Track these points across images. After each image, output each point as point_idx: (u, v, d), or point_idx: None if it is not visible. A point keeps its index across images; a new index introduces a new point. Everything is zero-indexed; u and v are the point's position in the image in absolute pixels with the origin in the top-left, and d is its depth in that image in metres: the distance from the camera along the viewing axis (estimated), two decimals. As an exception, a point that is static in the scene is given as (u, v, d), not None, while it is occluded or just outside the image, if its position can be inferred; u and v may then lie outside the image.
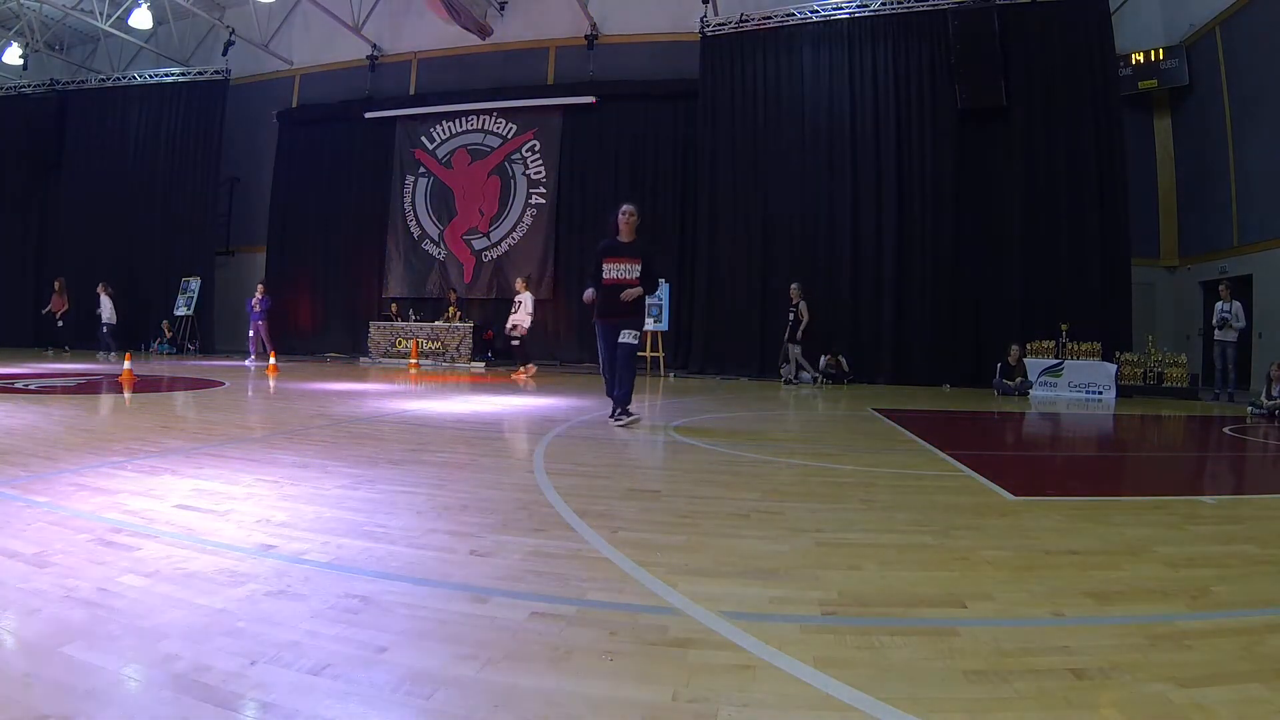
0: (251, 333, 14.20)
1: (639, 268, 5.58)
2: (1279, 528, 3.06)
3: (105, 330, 14.82)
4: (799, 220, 13.46)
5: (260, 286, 14.70)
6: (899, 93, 13.19)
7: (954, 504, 3.29)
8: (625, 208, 5.72)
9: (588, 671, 1.53)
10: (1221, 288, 10.76)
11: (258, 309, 14.16)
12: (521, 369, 12.04)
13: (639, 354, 6.70)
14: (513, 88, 16.26)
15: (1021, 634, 1.79)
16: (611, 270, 5.59)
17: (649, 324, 13.44)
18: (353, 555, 2.26)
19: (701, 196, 14.08)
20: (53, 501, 2.74)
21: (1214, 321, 10.60)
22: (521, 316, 12.21)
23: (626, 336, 5.63)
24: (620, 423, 5.65)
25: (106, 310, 14.93)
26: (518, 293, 12.59)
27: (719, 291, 13.78)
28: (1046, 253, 12.28)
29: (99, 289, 14.99)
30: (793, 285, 12.04)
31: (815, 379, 11.98)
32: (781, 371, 12.55)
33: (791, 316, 11.83)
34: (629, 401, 5.77)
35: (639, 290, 5.56)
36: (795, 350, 11.87)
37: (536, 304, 15.98)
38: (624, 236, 5.66)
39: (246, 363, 13.34)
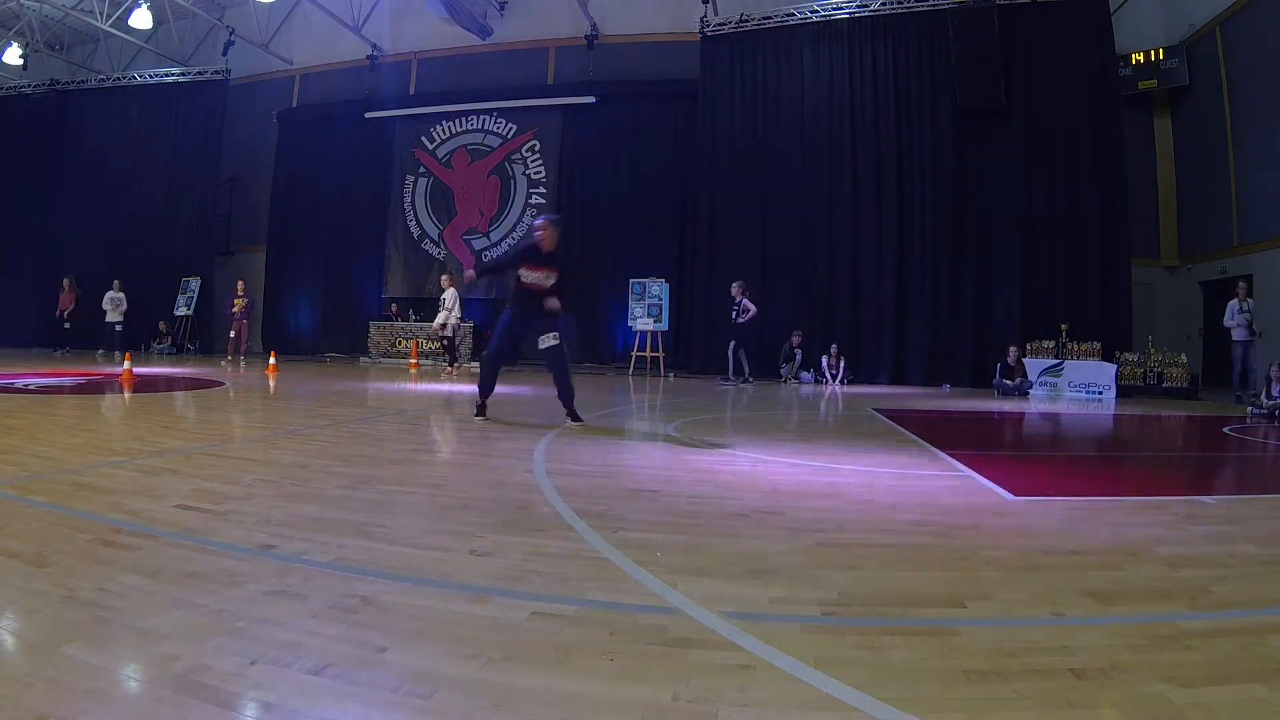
0: (234, 333, 13.97)
1: (555, 276, 5.61)
2: (1279, 528, 3.06)
3: (117, 329, 14.49)
4: (799, 220, 13.46)
5: (241, 284, 14.41)
6: (899, 92, 13.19)
7: (954, 504, 3.29)
8: (547, 219, 5.71)
9: (588, 671, 1.53)
10: (1240, 286, 10.50)
11: (238, 310, 13.98)
12: (451, 367, 12.14)
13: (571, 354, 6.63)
14: (513, 88, 16.26)
15: (1021, 634, 1.79)
16: (529, 276, 5.59)
17: (649, 324, 13.45)
18: (353, 555, 2.26)
19: (701, 196, 14.08)
20: (53, 501, 2.74)
21: (1233, 321, 10.34)
22: (444, 315, 12.32)
23: (547, 340, 5.60)
24: (572, 425, 5.57)
25: (120, 308, 14.63)
26: (443, 290, 12.61)
27: (719, 291, 13.76)
28: (1046, 253, 12.29)
29: (115, 287, 14.68)
30: (735, 284, 11.83)
31: (745, 379, 11.60)
32: (782, 372, 12.56)
33: (735, 315, 11.63)
34: (572, 402, 5.70)
35: (556, 304, 5.60)
36: (735, 345, 11.63)
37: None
38: (547, 247, 5.59)
39: (238, 365, 13.13)
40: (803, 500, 3.31)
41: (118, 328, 14.55)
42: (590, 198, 15.70)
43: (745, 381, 11.52)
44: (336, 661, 1.52)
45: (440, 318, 12.59)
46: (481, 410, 5.82)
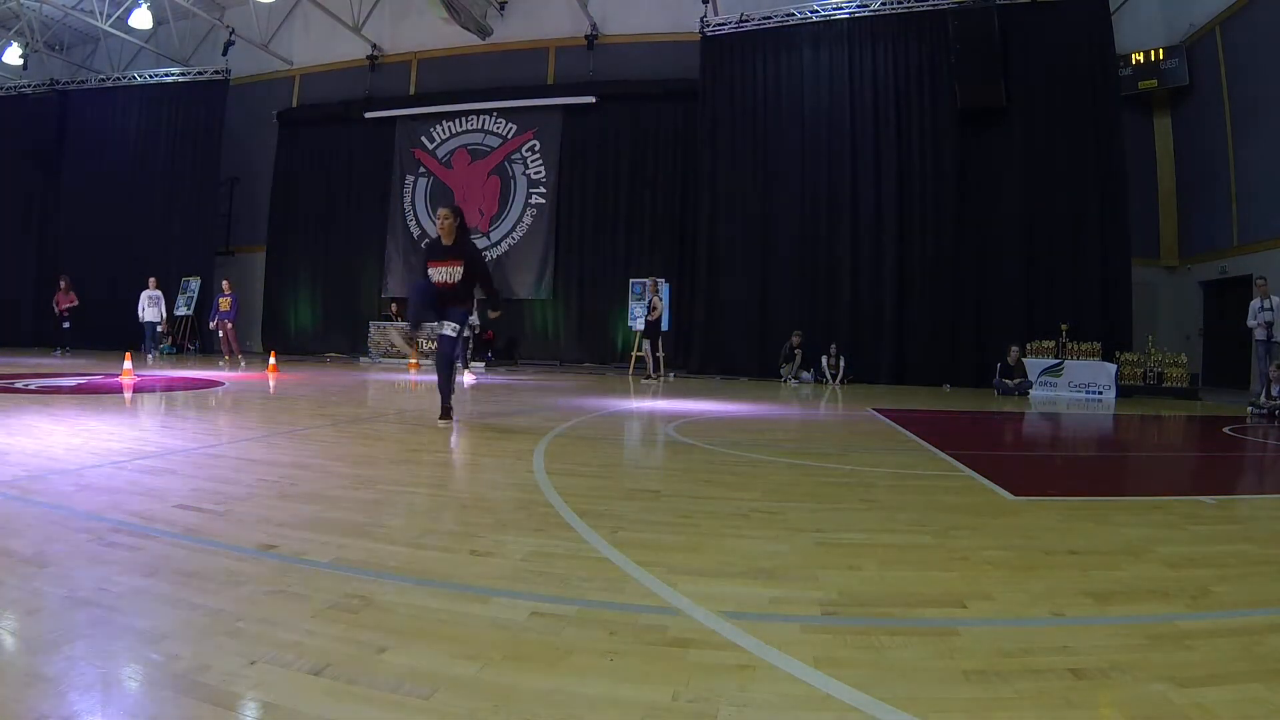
0: (223, 334, 13.57)
1: (461, 269, 5.35)
2: (1279, 528, 3.06)
3: (158, 329, 14.00)
4: (799, 220, 13.46)
5: (226, 283, 13.82)
6: (899, 93, 13.19)
7: (954, 504, 3.29)
8: (440, 210, 5.56)
9: (588, 671, 1.53)
10: (1259, 282, 9.90)
11: (228, 308, 13.46)
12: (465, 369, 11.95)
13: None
14: (513, 88, 16.27)
15: (1021, 634, 1.79)
16: (434, 273, 5.39)
17: (656, 324, 13.43)
18: (353, 555, 2.26)
19: (701, 196, 14.08)
20: (52, 501, 2.74)
21: (1255, 320, 9.78)
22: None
23: (443, 328, 5.41)
24: (440, 424, 5.44)
25: (158, 307, 13.94)
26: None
27: (719, 291, 13.78)
28: (1046, 253, 12.29)
29: (151, 285, 13.97)
30: (648, 281, 12.26)
31: (658, 375, 11.93)
32: (782, 372, 12.56)
33: (645, 312, 11.87)
34: (446, 400, 5.53)
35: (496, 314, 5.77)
36: (648, 344, 11.91)
37: (537, 305, 16.05)
38: (445, 240, 5.45)
39: (237, 364, 12.92)
40: (803, 500, 3.31)
41: (159, 327, 14.01)
42: (590, 198, 15.70)
43: (648, 377, 11.83)
44: (336, 661, 1.52)
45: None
46: (443, 411, 5.57)
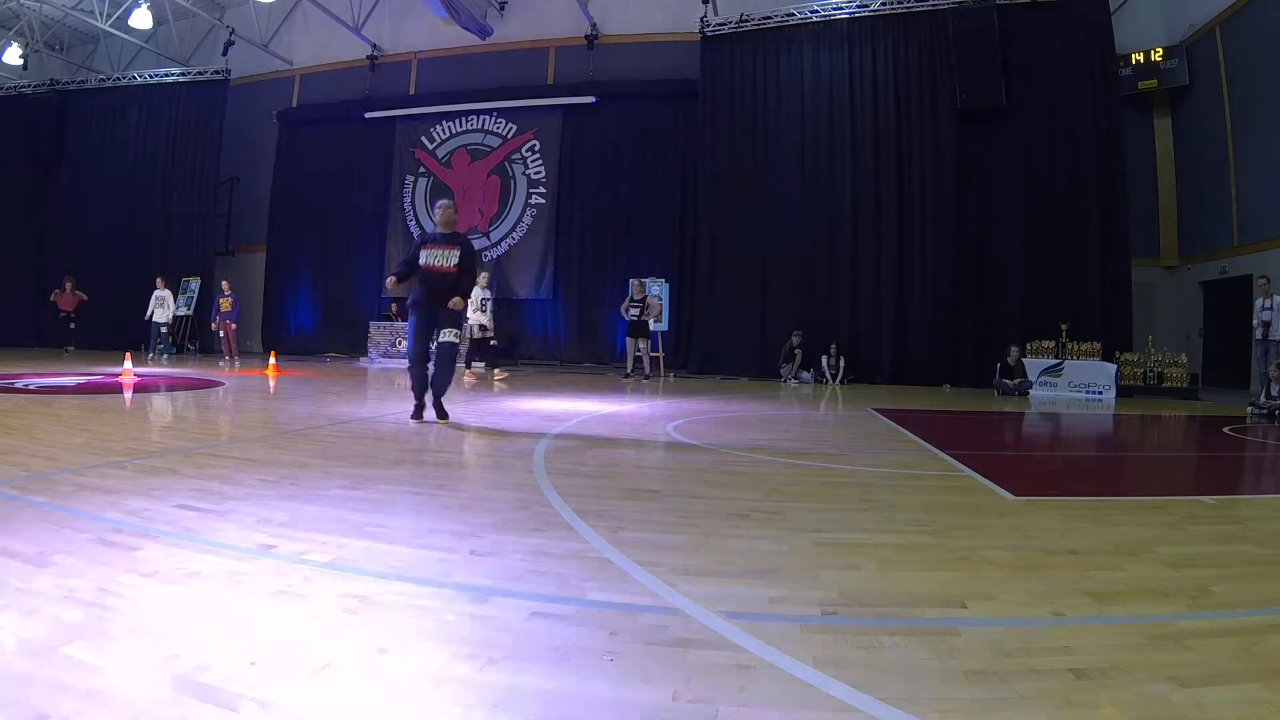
0: (224, 334, 13.47)
1: (456, 254, 5.47)
2: (1279, 528, 3.06)
3: (164, 329, 13.90)
4: (799, 220, 13.46)
5: (226, 283, 13.94)
6: (899, 93, 13.19)
7: (954, 504, 3.29)
8: (441, 200, 5.73)
9: (588, 671, 1.53)
10: (1262, 282, 9.88)
11: (229, 308, 13.48)
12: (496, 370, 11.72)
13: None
14: (513, 88, 16.27)
15: (1021, 634, 1.79)
16: (428, 257, 5.47)
17: (650, 324, 13.44)
18: (353, 555, 2.26)
19: (702, 196, 14.08)
20: (53, 501, 2.74)
21: (1258, 320, 9.76)
22: (476, 315, 11.27)
23: (448, 335, 5.51)
24: (436, 422, 5.47)
25: (163, 308, 13.87)
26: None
27: (719, 291, 13.78)
28: (1046, 253, 12.28)
29: (159, 285, 13.95)
30: (636, 281, 12.33)
31: (630, 373, 11.93)
32: (782, 372, 12.56)
33: (637, 312, 11.89)
34: (442, 395, 5.64)
35: (460, 303, 5.48)
36: (645, 345, 11.93)
37: (537, 305, 16.02)
38: (442, 229, 5.61)
39: (235, 364, 12.92)
40: (803, 500, 3.31)
41: (163, 329, 13.87)
42: (590, 197, 15.69)
43: (628, 375, 11.85)
44: (336, 661, 1.52)
45: (476, 317, 11.73)
46: (419, 412, 5.60)
